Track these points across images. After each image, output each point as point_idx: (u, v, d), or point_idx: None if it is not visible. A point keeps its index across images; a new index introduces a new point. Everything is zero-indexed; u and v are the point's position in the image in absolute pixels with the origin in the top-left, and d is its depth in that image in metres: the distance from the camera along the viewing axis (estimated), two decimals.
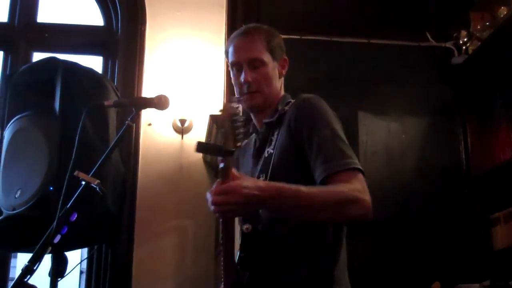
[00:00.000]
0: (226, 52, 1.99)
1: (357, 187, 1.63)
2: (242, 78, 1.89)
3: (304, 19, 3.73)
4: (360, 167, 1.68)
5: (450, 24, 3.79)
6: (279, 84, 1.97)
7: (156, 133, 3.83)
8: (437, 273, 3.23)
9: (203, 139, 3.66)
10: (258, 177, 1.83)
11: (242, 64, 1.90)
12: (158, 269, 3.61)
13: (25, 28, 4.06)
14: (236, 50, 1.93)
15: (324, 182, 1.66)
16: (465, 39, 3.65)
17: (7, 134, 2.74)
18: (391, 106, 3.62)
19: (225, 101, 1.56)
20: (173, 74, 3.89)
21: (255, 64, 1.89)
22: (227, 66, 2.11)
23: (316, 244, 1.74)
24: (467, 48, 3.65)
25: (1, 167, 2.73)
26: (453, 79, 3.67)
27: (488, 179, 3.46)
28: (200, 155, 3.77)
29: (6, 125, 2.77)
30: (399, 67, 3.70)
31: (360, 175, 1.67)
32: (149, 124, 3.83)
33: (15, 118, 2.71)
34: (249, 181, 1.61)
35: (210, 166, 3.77)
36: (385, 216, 3.20)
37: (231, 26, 3.71)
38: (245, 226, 1.69)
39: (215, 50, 3.96)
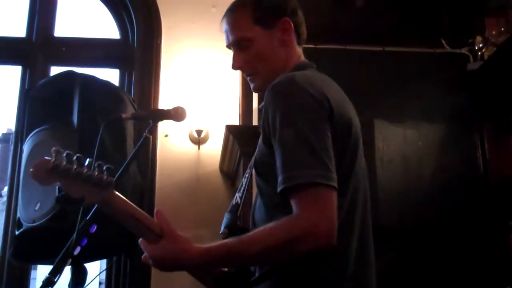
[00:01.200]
0: None
1: (305, 216, 1.34)
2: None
3: (319, 28, 3.71)
4: (319, 181, 1.35)
5: (465, 30, 3.78)
6: (282, 53, 1.73)
7: (173, 144, 3.85)
8: (456, 280, 3.20)
9: (219, 149, 3.68)
10: (245, 174, 1.65)
11: (231, 48, 1.75)
12: (177, 279, 3.61)
13: (42, 42, 4.11)
14: (225, 35, 1.75)
15: (284, 196, 1.40)
16: (481, 45, 3.64)
17: (26, 147, 2.77)
18: (407, 113, 3.61)
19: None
20: (189, 85, 3.91)
21: (243, 44, 1.70)
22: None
23: None
24: (482, 54, 3.63)
25: (21, 180, 2.77)
26: (469, 85, 3.65)
27: (506, 186, 3.42)
28: (216, 165, 3.79)
29: (25, 139, 2.80)
30: (414, 74, 3.69)
31: (318, 192, 1.36)
32: (166, 136, 3.85)
33: (34, 132, 2.74)
34: (166, 250, 1.47)
35: (227, 176, 3.79)
36: (402, 223, 3.19)
37: None
38: (221, 232, 1.56)
39: (231, 60, 3.96)
